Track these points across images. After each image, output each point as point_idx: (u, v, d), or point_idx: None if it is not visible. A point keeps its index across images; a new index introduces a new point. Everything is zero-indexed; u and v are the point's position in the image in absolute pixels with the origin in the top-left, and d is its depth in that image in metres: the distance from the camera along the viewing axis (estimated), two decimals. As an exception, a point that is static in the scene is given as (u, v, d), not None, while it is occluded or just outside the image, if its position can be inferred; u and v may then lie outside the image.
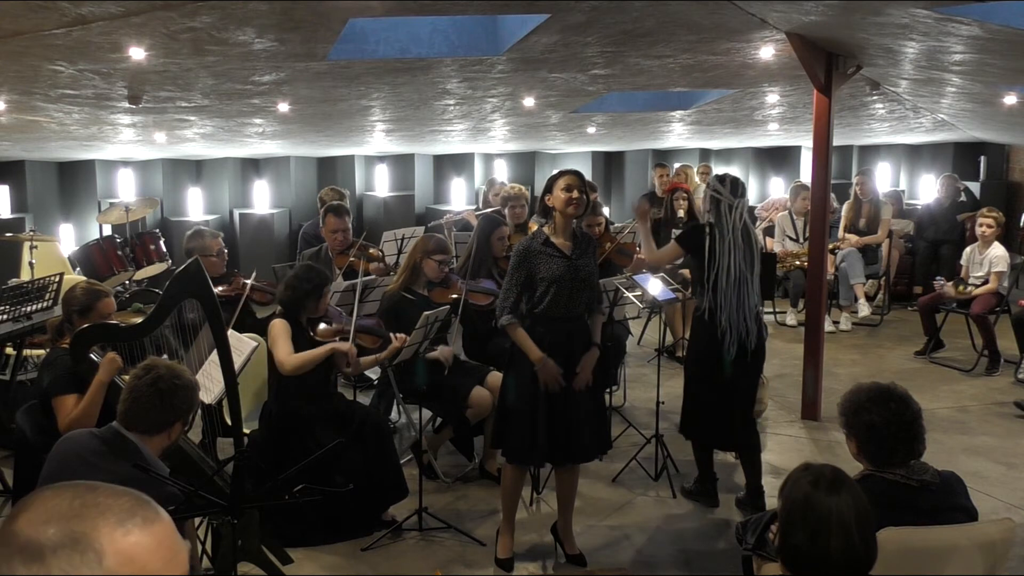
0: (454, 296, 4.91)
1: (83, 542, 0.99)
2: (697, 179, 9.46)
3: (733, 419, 4.25)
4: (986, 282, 6.75)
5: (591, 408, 3.79)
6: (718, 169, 10.82)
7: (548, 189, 3.71)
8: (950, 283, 6.94)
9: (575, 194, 3.64)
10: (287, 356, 4.05)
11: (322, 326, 4.33)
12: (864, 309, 8.07)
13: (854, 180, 8.57)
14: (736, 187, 4.20)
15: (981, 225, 6.87)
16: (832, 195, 8.73)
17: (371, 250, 5.87)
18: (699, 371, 4.30)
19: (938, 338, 7.02)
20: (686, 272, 6.29)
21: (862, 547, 1.97)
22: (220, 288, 5.00)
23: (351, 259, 5.61)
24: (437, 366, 4.60)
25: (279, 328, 4.13)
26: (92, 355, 3.45)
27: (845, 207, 8.51)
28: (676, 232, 6.66)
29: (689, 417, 4.38)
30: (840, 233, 8.34)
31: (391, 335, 4.34)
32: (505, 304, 3.69)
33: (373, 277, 5.23)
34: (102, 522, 1.01)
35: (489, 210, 6.79)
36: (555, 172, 3.78)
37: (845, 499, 1.98)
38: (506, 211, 6.25)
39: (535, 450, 3.68)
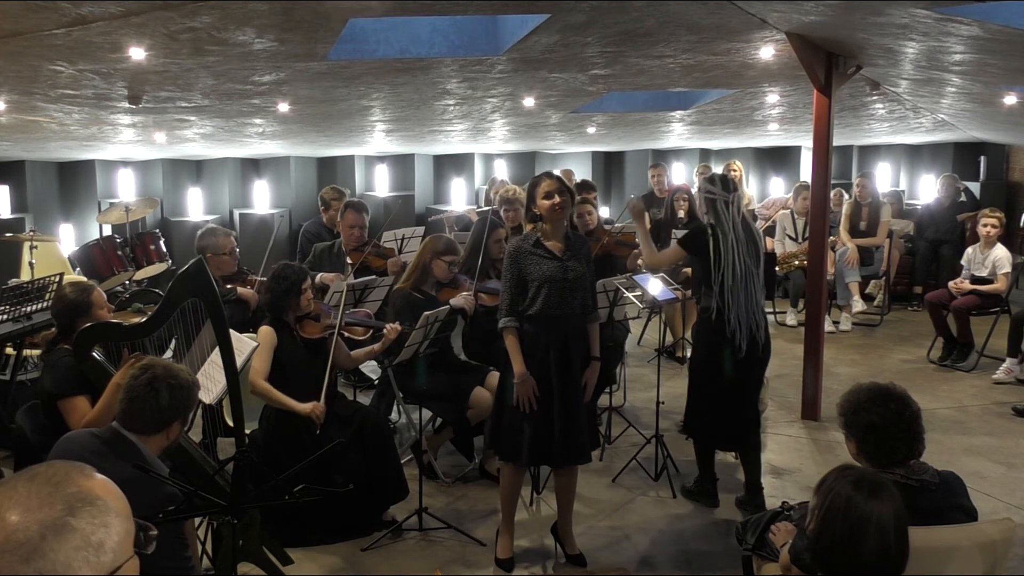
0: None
1: (84, 497, 1.14)
2: (696, 179, 9.47)
3: (738, 418, 4.23)
4: (990, 282, 6.76)
5: (585, 410, 3.80)
6: (718, 170, 10.84)
7: (531, 199, 3.73)
8: (964, 280, 6.89)
9: (557, 199, 3.65)
10: (257, 376, 4.03)
11: (310, 323, 4.31)
12: (858, 305, 8.06)
13: (855, 183, 8.57)
14: (727, 183, 4.24)
15: (985, 225, 6.84)
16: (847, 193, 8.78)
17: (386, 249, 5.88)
18: (706, 372, 4.26)
19: (952, 338, 6.88)
20: (687, 271, 6.29)
21: (897, 551, 2.00)
22: (229, 286, 5.00)
23: (372, 255, 5.62)
24: (437, 367, 4.59)
25: (262, 338, 4.10)
26: (95, 354, 3.45)
27: (845, 207, 8.52)
28: (677, 232, 6.67)
29: (694, 417, 4.37)
30: (840, 230, 8.34)
31: (385, 326, 4.33)
32: (503, 306, 3.72)
33: (373, 277, 5.23)
34: (75, 479, 1.16)
35: (484, 208, 6.76)
36: (531, 181, 3.79)
37: (887, 503, 2.01)
38: (501, 212, 6.21)
39: (528, 450, 3.68)
